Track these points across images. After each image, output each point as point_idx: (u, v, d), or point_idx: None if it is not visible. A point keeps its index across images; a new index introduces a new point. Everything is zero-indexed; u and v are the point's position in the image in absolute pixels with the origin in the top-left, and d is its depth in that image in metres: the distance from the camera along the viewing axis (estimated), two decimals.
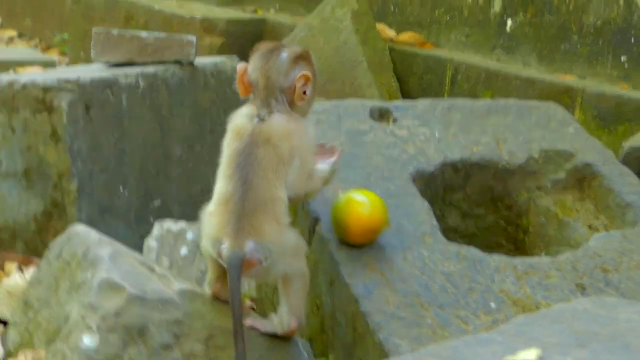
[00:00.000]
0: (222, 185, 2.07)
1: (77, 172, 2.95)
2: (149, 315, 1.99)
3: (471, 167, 2.62)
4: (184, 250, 2.89)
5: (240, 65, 2.14)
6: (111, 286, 2.01)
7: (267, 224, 2.00)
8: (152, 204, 3.23)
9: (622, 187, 2.56)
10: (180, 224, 2.95)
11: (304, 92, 2.11)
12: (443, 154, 2.59)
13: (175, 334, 2.03)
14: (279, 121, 2.07)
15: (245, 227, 1.99)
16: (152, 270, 2.10)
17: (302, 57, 2.14)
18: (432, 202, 2.47)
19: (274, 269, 2.04)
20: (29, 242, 3.00)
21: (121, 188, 3.10)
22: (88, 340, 2.00)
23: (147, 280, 2.05)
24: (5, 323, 2.46)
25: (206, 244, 2.07)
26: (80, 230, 2.23)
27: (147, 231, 3.03)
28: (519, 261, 2.26)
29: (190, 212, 3.29)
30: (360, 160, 2.51)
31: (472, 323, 2.05)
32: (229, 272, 1.98)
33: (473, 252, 2.27)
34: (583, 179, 2.63)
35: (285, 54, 2.12)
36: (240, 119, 2.11)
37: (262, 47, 2.15)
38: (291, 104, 2.11)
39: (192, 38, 3.40)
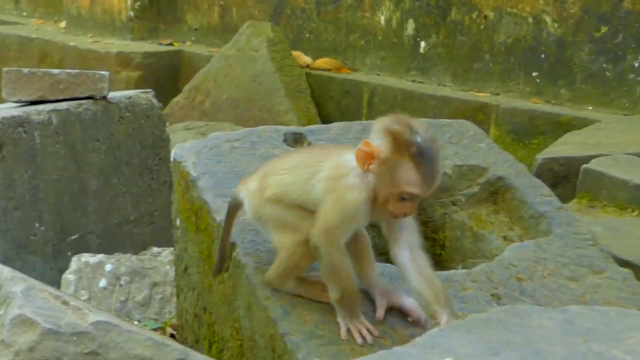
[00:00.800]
0: None
1: None
2: (64, 349, 1.97)
3: None
4: (102, 282, 2.86)
5: None
6: (24, 322, 1.98)
7: (254, 185, 2.17)
8: (69, 238, 3.20)
9: (534, 198, 2.59)
10: (99, 257, 2.93)
11: (368, 163, 1.96)
12: None
13: None
14: (342, 163, 2.02)
15: (247, 181, 2.21)
16: (66, 303, 2.08)
17: (393, 135, 1.94)
18: None
19: (260, 228, 2.21)
20: None
21: (37, 224, 3.07)
22: None
23: (61, 314, 2.02)
24: None
25: None
26: None
27: (65, 265, 3.00)
28: None
29: (108, 244, 3.27)
30: None
31: (390, 338, 2.06)
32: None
33: (390, 268, 2.28)
34: (496, 192, 2.66)
35: (385, 122, 1.98)
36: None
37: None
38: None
39: (105, 73, 3.40)
